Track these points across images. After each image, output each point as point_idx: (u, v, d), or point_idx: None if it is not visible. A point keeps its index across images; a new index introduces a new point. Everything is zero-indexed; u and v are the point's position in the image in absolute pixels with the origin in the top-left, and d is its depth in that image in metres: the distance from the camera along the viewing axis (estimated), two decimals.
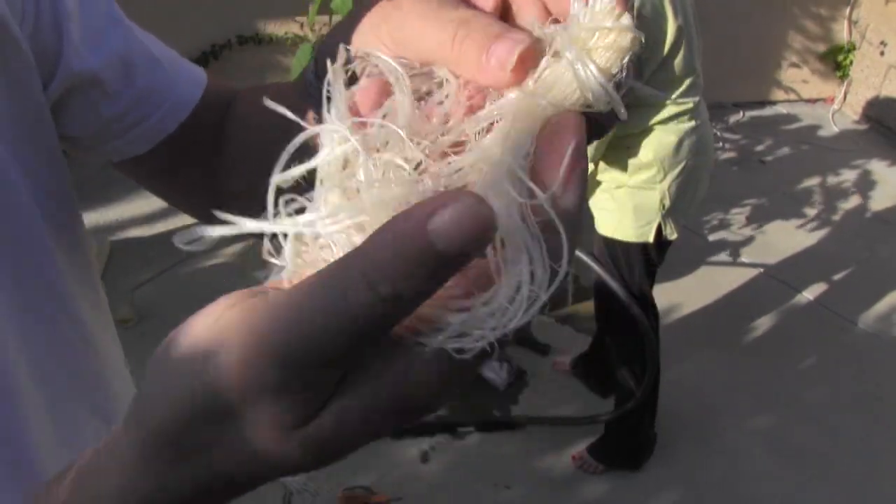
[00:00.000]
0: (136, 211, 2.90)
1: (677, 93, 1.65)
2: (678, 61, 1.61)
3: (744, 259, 2.98)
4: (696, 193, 1.79)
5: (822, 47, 4.35)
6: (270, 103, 0.25)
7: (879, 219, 3.33)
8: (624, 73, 0.24)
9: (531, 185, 0.22)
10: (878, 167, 3.75)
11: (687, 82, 1.65)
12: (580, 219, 0.22)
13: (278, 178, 0.23)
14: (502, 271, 0.20)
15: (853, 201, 3.45)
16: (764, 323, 2.65)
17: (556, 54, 0.23)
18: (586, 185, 0.23)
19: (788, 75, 4.40)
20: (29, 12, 0.41)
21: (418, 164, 0.23)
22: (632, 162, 1.70)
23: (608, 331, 1.99)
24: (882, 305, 2.76)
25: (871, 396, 2.37)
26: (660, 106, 1.65)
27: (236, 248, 2.69)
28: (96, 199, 2.86)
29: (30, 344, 0.40)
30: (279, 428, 0.20)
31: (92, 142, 0.47)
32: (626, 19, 0.23)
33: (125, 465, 0.22)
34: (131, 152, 0.48)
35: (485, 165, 0.22)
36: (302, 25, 3.52)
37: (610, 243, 1.82)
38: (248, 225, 0.22)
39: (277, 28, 3.50)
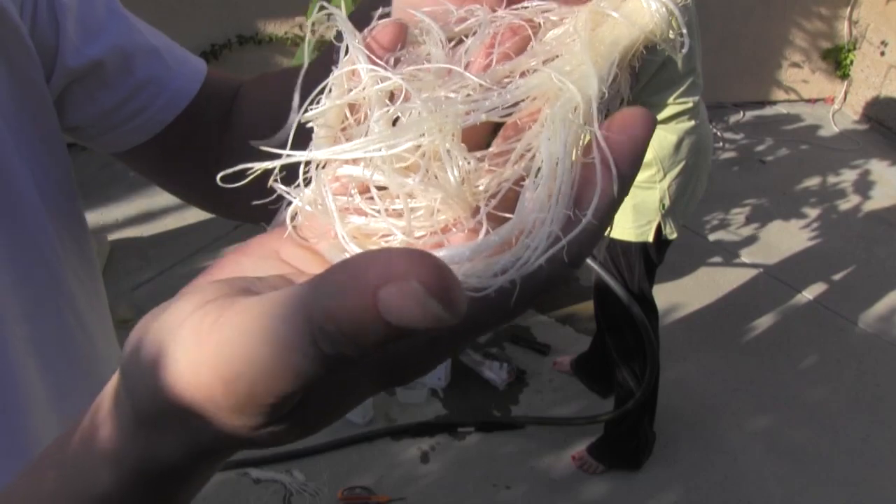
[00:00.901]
0: (136, 211, 2.90)
1: (678, 92, 1.65)
2: (679, 62, 1.61)
3: (744, 259, 2.98)
4: (695, 193, 1.80)
5: (822, 47, 4.35)
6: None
7: (880, 219, 3.33)
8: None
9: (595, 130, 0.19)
10: (878, 167, 3.75)
11: (687, 82, 1.66)
12: (625, 189, 0.21)
13: (312, 113, 0.21)
14: (527, 200, 0.19)
15: (853, 201, 3.45)
16: (764, 323, 2.65)
17: None
18: (636, 172, 0.21)
19: (789, 75, 4.41)
20: (28, 4, 0.41)
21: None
22: None
23: (608, 330, 1.99)
24: (882, 305, 2.76)
25: (871, 396, 2.37)
26: (660, 105, 1.66)
27: (236, 247, 2.69)
28: (96, 199, 2.86)
29: (32, 326, 0.41)
30: (248, 427, 0.19)
31: (92, 132, 0.47)
32: None
33: (117, 430, 0.22)
34: (131, 142, 0.48)
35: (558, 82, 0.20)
36: (302, 26, 3.52)
37: (610, 243, 1.82)
38: (298, 155, 0.20)
39: (277, 28, 3.50)
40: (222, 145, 0.50)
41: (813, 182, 3.59)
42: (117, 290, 2.57)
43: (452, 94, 0.21)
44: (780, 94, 4.45)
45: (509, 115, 0.21)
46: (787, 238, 3.14)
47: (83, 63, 0.44)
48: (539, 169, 0.19)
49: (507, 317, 0.19)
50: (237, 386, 0.18)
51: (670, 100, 1.65)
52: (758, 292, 2.80)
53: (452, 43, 0.23)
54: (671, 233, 1.77)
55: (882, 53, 4.13)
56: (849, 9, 4.23)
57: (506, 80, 0.22)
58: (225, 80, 0.52)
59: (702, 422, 2.21)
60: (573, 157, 0.19)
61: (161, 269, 2.69)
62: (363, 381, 0.20)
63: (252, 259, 0.24)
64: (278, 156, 0.21)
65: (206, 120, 0.49)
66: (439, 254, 0.18)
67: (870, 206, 3.43)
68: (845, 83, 4.38)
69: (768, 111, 4.35)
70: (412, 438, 2.11)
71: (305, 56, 0.26)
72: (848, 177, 3.65)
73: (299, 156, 0.20)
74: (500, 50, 0.23)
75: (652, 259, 1.83)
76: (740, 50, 4.19)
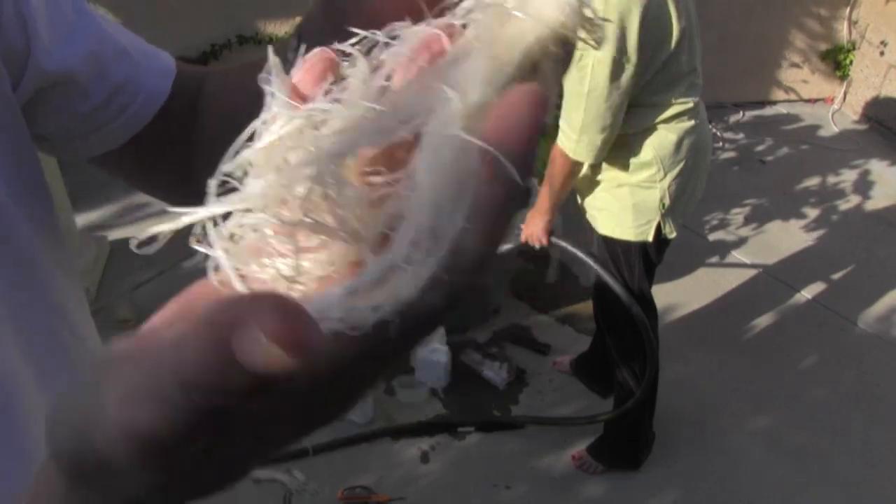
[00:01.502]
0: (136, 211, 2.90)
1: (678, 92, 1.65)
2: (680, 62, 1.61)
3: (743, 259, 2.98)
4: (694, 192, 1.80)
5: (822, 47, 4.35)
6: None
7: (879, 218, 3.33)
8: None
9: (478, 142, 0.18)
10: (878, 167, 3.75)
11: (687, 82, 1.66)
12: (514, 187, 0.18)
13: (226, 166, 0.21)
14: (402, 227, 0.18)
15: (853, 201, 3.45)
16: (764, 323, 2.65)
17: None
18: (535, 156, 0.19)
19: (788, 75, 4.41)
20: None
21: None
22: (632, 161, 1.71)
23: (608, 330, 1.99)
24: (882, 305, 2.77)
25: (871, 396, 2.37)
26: (661, 105, 1.66)
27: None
28: (96, 199, 2.86)
29: (22, 335, 0.40)
30: (158, 485, 0.19)
31: (65, 139, 0.46)
32: None
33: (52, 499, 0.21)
34: (107, 146, 0.47)
35: (437, 102, 0.19)
36: None
37: (609, 242, 1.82)
38: (185, 218, 0.20)
39: (277, 28, 3.50)
40: (191, 140, 0.49)
41: (813, 182, 3.59)
42: (117, 290, 2.57)
43: (339, 127, 0.20)
44: (779, 94, 4.45)
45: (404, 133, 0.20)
46: (786, 238, 3.14)
47: (56, 68, 0.43)
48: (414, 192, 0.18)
49: (397, 350, 0.19)
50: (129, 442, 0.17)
51: (671, 100, 1.65)
52: (757, 292, 2.80)
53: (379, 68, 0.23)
54: (671, 232, 1.77)
55: (882, 53, 4.13)
56: (848, 9, 4.23)
57: (399, 99, 0.21)
58: (190, 72, 0.51)
59: (701, 422, 2.21)
60: (453, 173, 0.18)
61: (161, 269, 2.69)
62: (275, 429, 0.20)
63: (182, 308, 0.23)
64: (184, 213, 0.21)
65: (176, 114, 0.48)
66: (313, 297, 0.18)
67: (870, 206, 3.43)
68: (845, 83, 4.38)
69: (768, 111, 4.35)
70: (412, 438, 2.11)
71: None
72: (848, 177, 3.65)
73: (196, 213, 0.20)
74: (415, 66, 0.22)
75: (651, 258, 1.84)
76: (740, 50, 4.19)
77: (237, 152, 0.21)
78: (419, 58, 0.22)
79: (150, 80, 0.47)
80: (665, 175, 1.70)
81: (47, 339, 0.43)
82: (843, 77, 4.37)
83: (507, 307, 2.57)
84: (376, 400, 2.17)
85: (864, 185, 3.58)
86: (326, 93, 0.22)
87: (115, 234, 2.80)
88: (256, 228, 0.20)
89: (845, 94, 4.40)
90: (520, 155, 0.18)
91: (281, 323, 0.15)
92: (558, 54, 0.21)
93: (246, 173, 0.21)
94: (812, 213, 3.33)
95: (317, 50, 0.24)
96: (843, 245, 3.12)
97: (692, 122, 1.69)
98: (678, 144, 1.68)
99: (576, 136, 1.64)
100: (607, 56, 1.52)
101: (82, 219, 2.80)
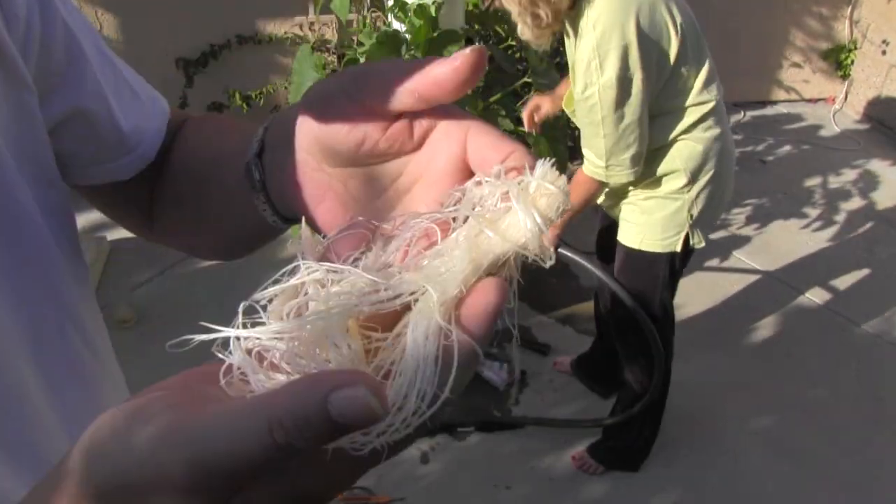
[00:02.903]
0: None
1: (694, 93, 1.60)
2: (688, 60, 1.57)
3: (744, 259, 2.98)
4: (722, 199, 1.74)
5: (823, 47, 4.35)
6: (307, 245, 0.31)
7: (881, 219, 3.33)
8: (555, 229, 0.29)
9: (447, 325, 0.25)
10: (879, 167, 3.75)
11: (703, 79, 1.59)
12: (476, 359, 0.25)
13: (260, 294, 0.27)
14: (394, 378, 0.24)
15: (854, 201, 3.45)
16: (764, 323, 2.65)
17: (507, 199, 0.28)
18: (490, 335, 0.26)
19: (789, 75, 4.40)
20: (34, 28, 0.41)
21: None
22: (659, 173, 1.66)
23: (617, 332, 1.97)
24: (883, 306, 2.76)
25: (871, 396, 2.36)
26: (680, 112, 1.61)
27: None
28: None
29: (36, 347, 0.40)
30: None
31: (84, 163, 0.48)
32: (563, 183, 0.28)
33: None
34: (117, 178, 0.49)
35: (427, 283, 0.26)
36: (302, 26, 3.52)
37: (634, 254, 1.77)
38: (222, 333, 0.26)
39: (277, 28, 3.50)
40: (154, 190, 0.51)
41: (814, 182, 3.59)
42: (117, 290, 2.57)
43: (348, 290, 0.27)
44: (780, 94, 4.45)
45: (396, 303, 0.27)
46: (787, 238, 3.13)
47: (83, 105, 0.45)
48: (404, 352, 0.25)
49: (374, 464, 0.25)
50: (198, 468, 0.22)
51: (690, 101, 1.60)
52: (758, 292, 2.80)
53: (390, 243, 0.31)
54: (699, 242, 1.72)
55: (883, 53, 4.13)
56: (850, 8, 4.22)
57: (396, 278, 0.28)
58: (177, 116, 0.53)
59: (702, 422, 2.21)
60: (434, 341, 0.25)
61: (161, 269, 2.69)
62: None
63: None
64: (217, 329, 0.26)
65: (159, 154, 0.51)
66: None
67: (871, 206, 3.43)
68: (846, 83, 4.37)
69: (769, 111, 4.35)
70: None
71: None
72: (849, 177, 3.65)
73: (228, 332, 0.26)
74: (414, 250, 0.29)
75: (676, 268, 1.79)
76: (741, 49, 4.18)
77: (266, 287, 0.28)
78: (419, 243, 0.29)
79: (155, 123, 0.50)
80: (693, 185, 1.64)
81: (62, 352, 0.43)
82: (845, 77, 4.36)
83: (507, 307, 2.57)
84: None
85: (865, 186, 3.58)
86: (350, 259, 0.29)
87: (114, 235, 2.80)
88: (269, 350, 0.26)
89: (847, 93, 4.39)
90: (483, 334, 0.26)
91: (376, 385, 0.22)
92: (520, 257, 0.28)
93: (269, 302, 0.27)
94: (813, 213, 3.33)
95: (358, 220, 0.32)
96: (844, 245, 3.11)
97: (717, 130, 1.63)
98: (705, 154, 1.63)
99: (603, 163, 1.60)
100: (611, 78, 1.48)
101: (82, 219, 2.80)
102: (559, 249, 1.85)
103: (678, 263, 1.77)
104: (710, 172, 1.65)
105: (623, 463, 2.06)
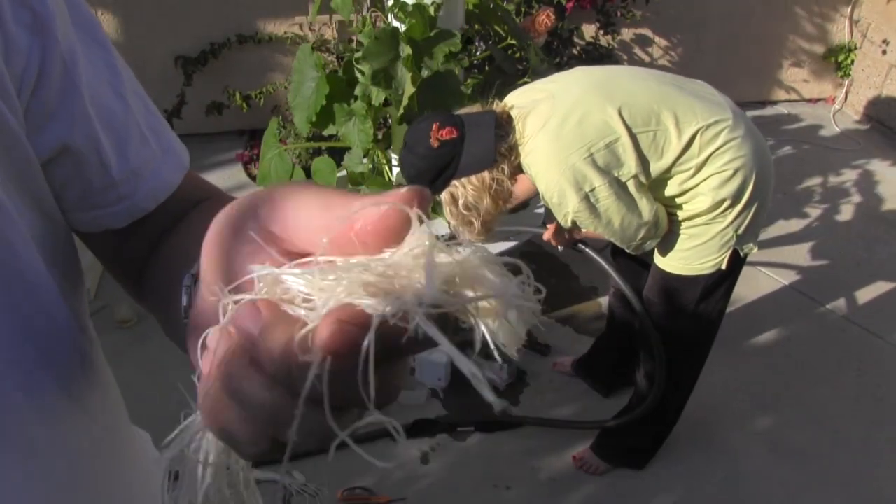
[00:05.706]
0: None
1: (687, 145, 1.50)
2: (654, 163, 1.50)
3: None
4: (765, 205, 1.63)
5: (823, 47, 4.35)
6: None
7: (880, 219, 3.33)
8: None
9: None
10: (879, 167, 3.75)
11: (689, 126, 1.50)
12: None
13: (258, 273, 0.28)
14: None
15: (854, 201, 3.45)
16: (764, 323, 2.65)
17: (485, 311, 0.28)
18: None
19: (789, 75, 4.40)
20: (32, 64, 0.39)
21: None
22: (697, 206, 1.57)
23: (638, 340, 1.93)
24: (883, 306, 2.76)
25: (871, 397, 2.36)
26: (686, 163, 1.51)
27: None
28: None
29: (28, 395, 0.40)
30: None
31: (71, 207, 0.46)
32: (536, 304, 0.28)
33: None
34: (107, 225, 0.47)
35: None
36: (302, 26, 3.52)
37: (672, 276, 1.69)
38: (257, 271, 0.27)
39: (277, 28, 3.50)
40: (149, 253, 0.49)
41: (814, 182, 3.59)
42: (117, 290, 2.56)
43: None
44: (780, 94, 4.45)
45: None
46: (787, 238, 3.13)
47: (84, 142, 0.43)
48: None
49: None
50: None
51: (689, 154, 1.51)
52: (758, 292, 2.80)
53: None
54: (751, 250, 1.65)
55: (884, 52, 4.13)
56: (850, 8, 4.22)
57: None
58: (200, 185, 0.51)
59: (702, 422, 2.21)
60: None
61: None
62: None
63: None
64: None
65: (164, 213, 0.48)
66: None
67: (871, 206, 3.43)
68: (846, 83, 4.37)
69: (769, 111, 4.34)
70: (412, 439, 2.11)
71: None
72: (849, 177, 3.65)
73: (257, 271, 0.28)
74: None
75: (728, 279, 1.70)
76: (740, 50, 4.18)
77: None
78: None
79: (163, 173, 0.48)
80: (733, 208, 1.56)
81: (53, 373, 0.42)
82: (845, 77, 4.36)
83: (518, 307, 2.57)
84: None
85: (865, 185, 3.58)
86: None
87: None
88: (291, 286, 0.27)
89: (847, 93, 4.39)
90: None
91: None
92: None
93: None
94: (813, 212, 3.33)
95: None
96: (843, 245, 3.11)
97: (736, 143, 1.52)
98: (735, 172, 1.52)
99: (628, 247, 1.60)
100: (576, 204, 1.46)
101: None
102: (579, 245, 1.85)
103: (727, 274, 1.67)
104: (751, 186, 1.54)
105: (629, 461, 2.06)
